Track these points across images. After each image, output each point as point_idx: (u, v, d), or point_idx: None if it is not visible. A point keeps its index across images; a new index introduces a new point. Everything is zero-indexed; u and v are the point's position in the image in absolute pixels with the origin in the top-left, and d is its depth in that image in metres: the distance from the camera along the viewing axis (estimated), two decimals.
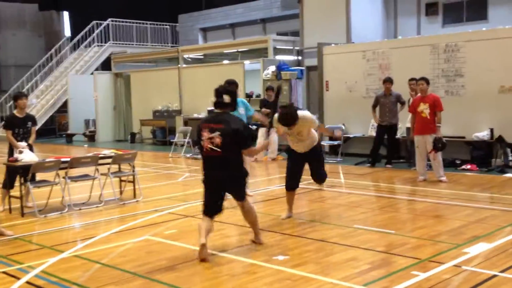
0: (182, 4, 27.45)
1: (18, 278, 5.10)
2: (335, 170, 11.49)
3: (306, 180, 7.95)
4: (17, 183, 8.07)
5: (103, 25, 23.71)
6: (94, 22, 23.75)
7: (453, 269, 5.00)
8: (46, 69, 24.51)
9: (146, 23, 25.01)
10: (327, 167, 7.54)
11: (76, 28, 26.26)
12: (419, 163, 9.93)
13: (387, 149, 12.00)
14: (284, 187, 7.21)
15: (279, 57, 16.77)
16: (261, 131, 12.59)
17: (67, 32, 28.42)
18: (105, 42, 23.68)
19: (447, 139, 9.93)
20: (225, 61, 19.13)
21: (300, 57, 16.49)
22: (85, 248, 6.09)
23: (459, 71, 11.71)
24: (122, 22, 24.18)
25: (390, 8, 16.50)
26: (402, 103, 11.60)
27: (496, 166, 10.97)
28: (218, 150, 5.47)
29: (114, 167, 8.93)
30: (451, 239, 5.96)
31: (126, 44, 24.14)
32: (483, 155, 11.23)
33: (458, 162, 11.27)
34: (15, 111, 8.61)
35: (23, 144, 8.17)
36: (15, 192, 8.14)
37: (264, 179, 11.07)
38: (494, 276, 4.77)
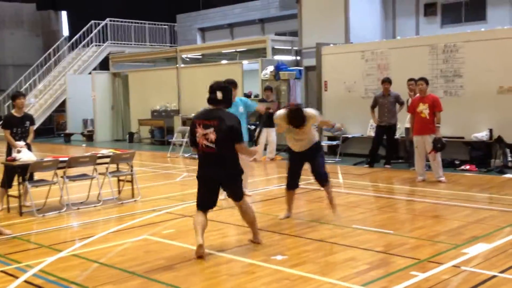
0: (180, 4, 27.46)
1: (16, 277, 5.09)
2: (333, 170, 11.46)
3: (306, 180, 7.93)
4: (15, 183, 8.07)
5: (101, 25, 23.70)
6: (92, 21, 23.73)
7: (452, 269, 4.99)
8: (44, 68, 24.49)
9: (144, 23, 24.99)
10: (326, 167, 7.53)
11: (74, 27, 26.24)
12: (418, 164, 9.93)
13: (386, 150, 11.98)
14: (285, 186, 7.23)
15: (278, 57, 16.76)
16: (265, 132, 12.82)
17: (65, 31, 28.41)
18: (103, 42, 23.67)
19: (446, 140, 9.92)
20: (224, 61, 19.13)
21: (298, 57, 16.49)
22: (83, 248, 6.07)
23: (457, 71, 11.71)
24: (120, 22, 24.17)
25: (389, 8, 16.51)
26: (401, 104, 11.59)
27: (495, 167, 10.97)
28: (213, 146, 5.47)
29: (112, 167, 8.91)
30: (450, 240, 5.96)
31: (124, 44, 24.12)
32: (482, 155, 11.23)
33: (457, 162, 11.28)
34: (13, 111, 8.62)
35: (21, 143, 8.18)
36: (13, 191, 8.14)
37: (262, 179, 11.06)
38: (493, 276, 4.76)
